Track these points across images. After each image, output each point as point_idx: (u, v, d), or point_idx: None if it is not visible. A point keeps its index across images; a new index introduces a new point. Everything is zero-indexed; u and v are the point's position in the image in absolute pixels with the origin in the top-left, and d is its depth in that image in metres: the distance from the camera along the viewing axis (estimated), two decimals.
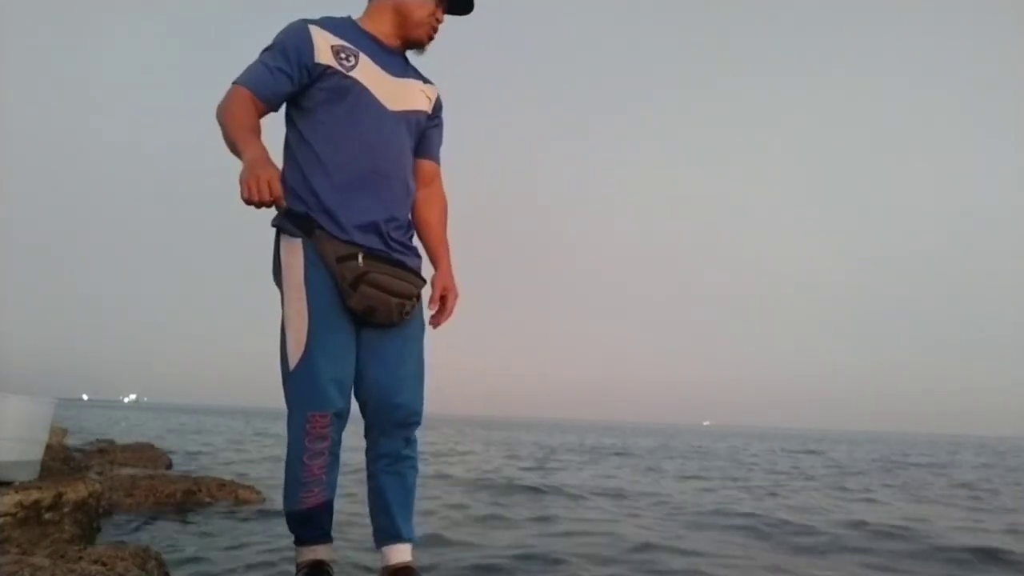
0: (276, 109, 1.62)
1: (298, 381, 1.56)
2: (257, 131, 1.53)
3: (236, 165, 1.43)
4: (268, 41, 1.61)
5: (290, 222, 1.58)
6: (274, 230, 1.63)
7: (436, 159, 1.82)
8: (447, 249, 1.79)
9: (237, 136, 1.48)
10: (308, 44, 1.57)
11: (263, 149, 1.47)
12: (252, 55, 1.60)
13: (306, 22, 1.61)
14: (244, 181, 1.39)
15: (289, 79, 1.57)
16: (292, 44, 1.57)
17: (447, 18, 1.75)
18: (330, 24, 1.63)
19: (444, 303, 1.73)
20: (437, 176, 1.82)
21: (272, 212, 1.58)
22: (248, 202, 1.39)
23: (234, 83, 1.56)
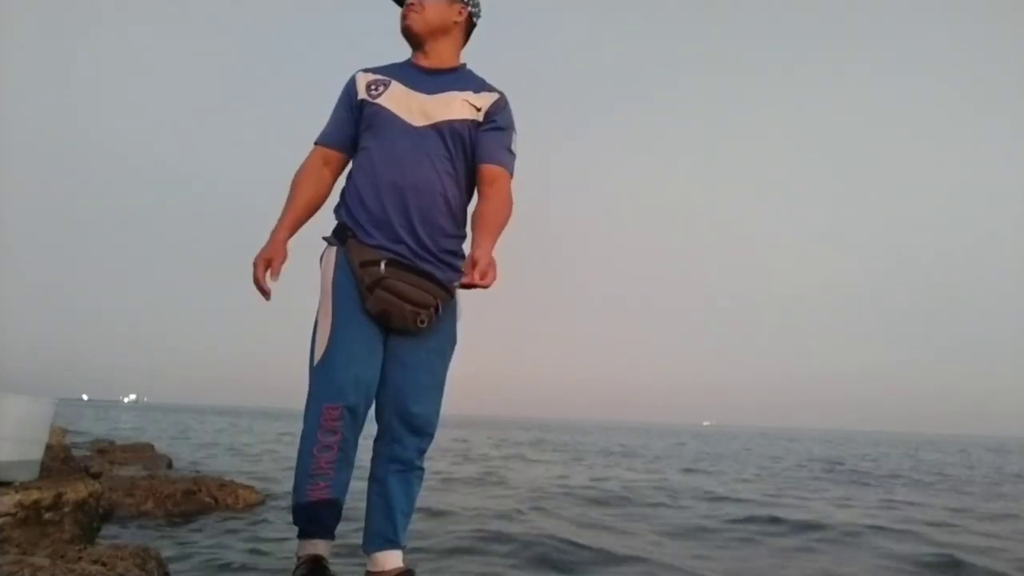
0: (351, 152, 1.83)
1: (317, 376, 1.65)
2: (299, 207, 1.76)
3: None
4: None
5: (333, 231, 1.77)
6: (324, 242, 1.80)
7: (494, 161, 1.75)
8: (489, 236, 1.63)
9: (283, 207, 1.76)
10: (353, 88, 1.81)
11: (281, 233, 1.72)
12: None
13: (358, 71, 1.83)
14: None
15: (350, 122, 1.81)
16: (345, 92, 1.83)
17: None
18: (381, 68, 1.86)
19: (473, 267, 1.55)
20: (498, 178, 1.74)
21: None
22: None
23: (314, 144, 1.83)
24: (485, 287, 1.50)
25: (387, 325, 1.69)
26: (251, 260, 1.66)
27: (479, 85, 1.82)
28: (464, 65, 1.88)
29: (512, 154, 1.80)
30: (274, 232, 1.72)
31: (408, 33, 1.82)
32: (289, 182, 1.79)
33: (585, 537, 3.15)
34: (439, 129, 1.73)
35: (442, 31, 1.82)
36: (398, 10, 1.84)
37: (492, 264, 1.50)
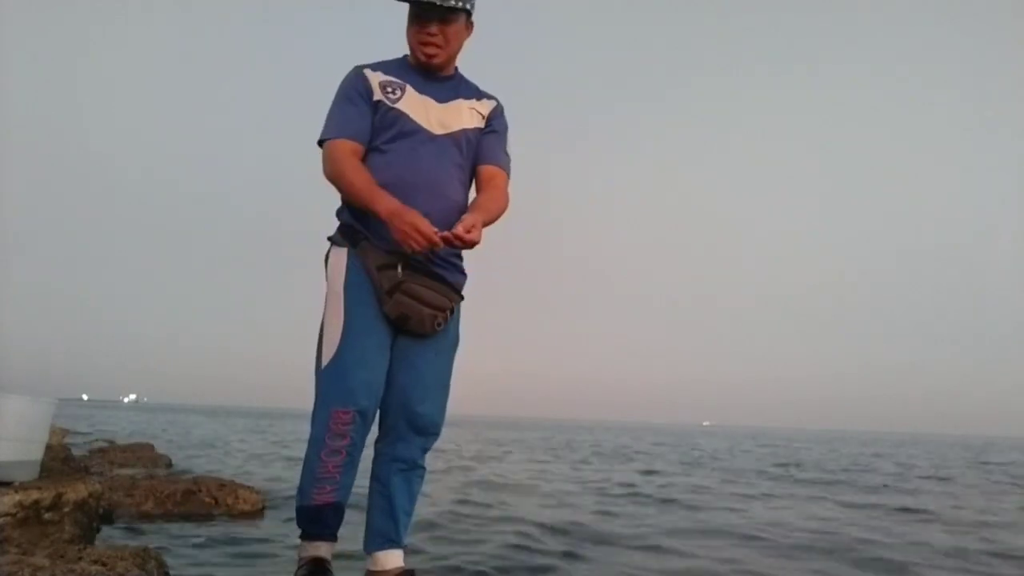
0: (367, 147, 1.75)
1: (327, 379, 1.64)
2: (376, 182, 1.66)
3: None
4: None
5: (339, 233, 1.74)
6: (328, 243, 1.76)
7: (492, 162, 1.83)
8: (479, 212, 1.66)
9: (363, 195, 1.63)
10: (367, 85, 1.75)
11: (393, 199, 1.60)
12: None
13: (360, 67, 1.78)
14: (399, 238, 1.55)
15: (369, 119, 1.73)
16: (359, 87, 1.74)
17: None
18: (381, 65, 1.80)
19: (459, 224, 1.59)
20: (495, 177, 1.82)
21: (335, 227, 1.77)
22: (414, 253, 1.57)
23: (328, 140, 1.70)
24: (469, 243, 1.58)
25: (403, 328, 1.69)
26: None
27: (478, 92, 1.88)
28: (456, 69, 1.89)
29: (508, 156, 1.88)
30: (387, 202, 1.59)
31: (430, 66, 1.77)
32: (332, 178, 1.69)
33: None
34: (455, 138, 1.77)
35: (458, 53, 1.83)
36: (399, 6, 1.74)
37: (477, 225, 1.58)
